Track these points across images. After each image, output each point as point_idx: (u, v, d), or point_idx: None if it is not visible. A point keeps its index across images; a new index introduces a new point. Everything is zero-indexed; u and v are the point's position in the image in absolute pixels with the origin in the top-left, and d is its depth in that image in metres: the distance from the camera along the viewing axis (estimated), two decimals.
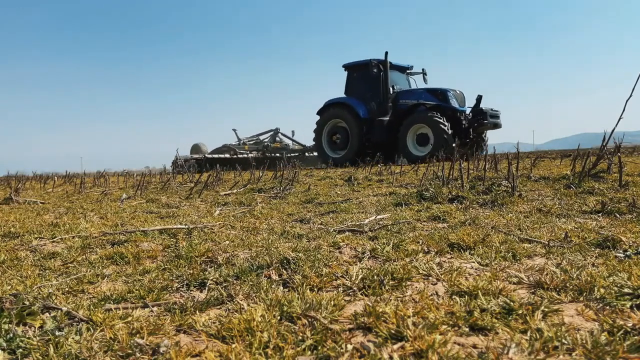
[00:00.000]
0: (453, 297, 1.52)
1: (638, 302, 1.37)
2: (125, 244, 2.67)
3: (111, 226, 3.44)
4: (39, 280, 1.97)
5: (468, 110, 12.47)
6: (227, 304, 1.58)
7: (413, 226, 2.93)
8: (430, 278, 1.77)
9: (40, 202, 5.83)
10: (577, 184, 4.30)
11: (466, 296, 1.51)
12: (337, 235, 2.69)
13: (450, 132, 11.52)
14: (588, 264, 1.84)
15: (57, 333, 1.33)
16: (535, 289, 1.58)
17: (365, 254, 2.20)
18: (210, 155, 15.66)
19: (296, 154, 17.58)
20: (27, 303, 1.50)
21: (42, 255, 2.48)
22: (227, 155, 15.79)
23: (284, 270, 1.94)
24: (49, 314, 1.50)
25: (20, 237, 3.06)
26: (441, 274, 1.78)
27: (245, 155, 15.99)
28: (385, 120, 12.84)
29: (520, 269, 1.81)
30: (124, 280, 1.95)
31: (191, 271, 1.98)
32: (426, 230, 2.80)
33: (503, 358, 1.09)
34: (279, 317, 1.40)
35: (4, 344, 1.26)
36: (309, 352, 1.17)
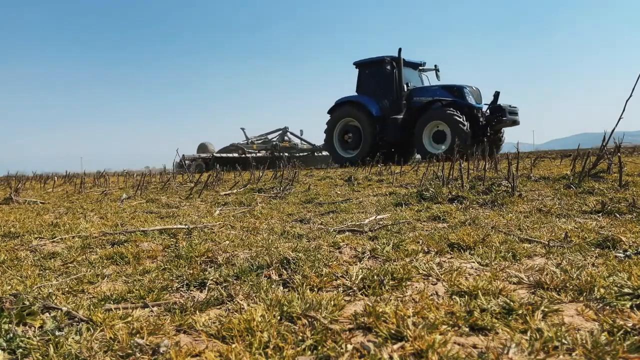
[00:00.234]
0: (453, 297, 1.52)
1: (638, 302, 1.37)
2: (125, 244, 2.67)
3: (111, 226, 3.44)
4: (39, 280, 1.97)
5: (485, 107, 12.18)
6: (227, 304, 1.58)
7: (413, 226, 2.93)
8: (430, 278, 1.77)
9: (40, 202, 5.83)
10: (577, 184, 4.29)
11: (466, 296, 1.51)
12: (337, 235, 2.69)
13: (468, 128, 11.26)
14: (588, 264, 1.84)
15: (57, 333, 1.33)
16: (535, 289, 1.58)
17: (365, 254, 2.20)
18: (218, 155, 15.40)
19: (305, 154, 17.33)
20: (27, 303, 1.50)
21: (42, 255, 2.48)
22: (236, 155, 15.48)
23: (284, 270, 1.94)
24: (49, 314, 1.50)
25: (20, 237, 3.06)
26: (441, 274, 1.78)
27: (254, 155, 15.71)
28: (399, 118, 12.55)
29: (520, 269, 1.81)
30: (124, 280, 1.95)
31: (191, 271, 1.98)
32: (426, 230, 2.80)
33: (503, 358, 1.09)
34: (279, 317, 1.40)
35: (4, 344, 1.26)
36: (309, 352, 1.17)
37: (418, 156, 13.13)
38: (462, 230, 2.63)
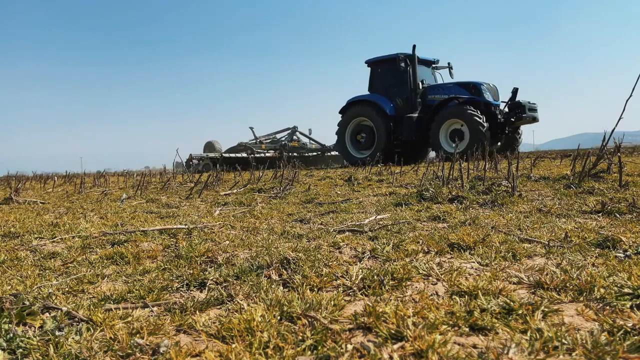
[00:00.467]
0: (453, 297, 1.52)
1: (638, 302, 1.37)
2: (125, 244, 2.67)
3: (111, 226, 3.44)
4: (39, 280, 1.97)
5: (502, 105, 11.90)
6: (227, 304, 1.58)
7: (413, 226, 2.93)
8: (430, 278, 1.77)
9: (40, 202, 5.83)
10: (577, 184, 4.30)
11: (466, 296, 1.51)
12: (337, 235, 2.68)
13: (486, 126, 10.98)
14: (588, 264, 1.84)
15: (57, 333, 1.33)
16: (535, 289, 1.58)
17: (365, 254, 2.20)
18: (227, 155, 15.05)
19: (315, 153, 17.06)
20: (27, 303, 1.50)
21: (42, 255, 2.48)
22: (245, 155, 15.08)
23: (284, 270, 1.94)
24: (49, 314, 1.50)
25: (20, 237, 3.06)
26: (441, 274, 1.78)
27: (264, 154, 15.40)
28: (414, 116, 12.24)
29: (520, 269, 1.81)
30: (124, 280, 1.95)
31: (191, 271, 1.98)
32: (426, 230, 2.80)
33: (503, 358, 1.09)
34: (279, 317, 1.40)
35: (4, 344, 1.26)
36: (309, 352, 1.17)
37: (432, 155, 12.91)
38: (462, 230, 2.63)
